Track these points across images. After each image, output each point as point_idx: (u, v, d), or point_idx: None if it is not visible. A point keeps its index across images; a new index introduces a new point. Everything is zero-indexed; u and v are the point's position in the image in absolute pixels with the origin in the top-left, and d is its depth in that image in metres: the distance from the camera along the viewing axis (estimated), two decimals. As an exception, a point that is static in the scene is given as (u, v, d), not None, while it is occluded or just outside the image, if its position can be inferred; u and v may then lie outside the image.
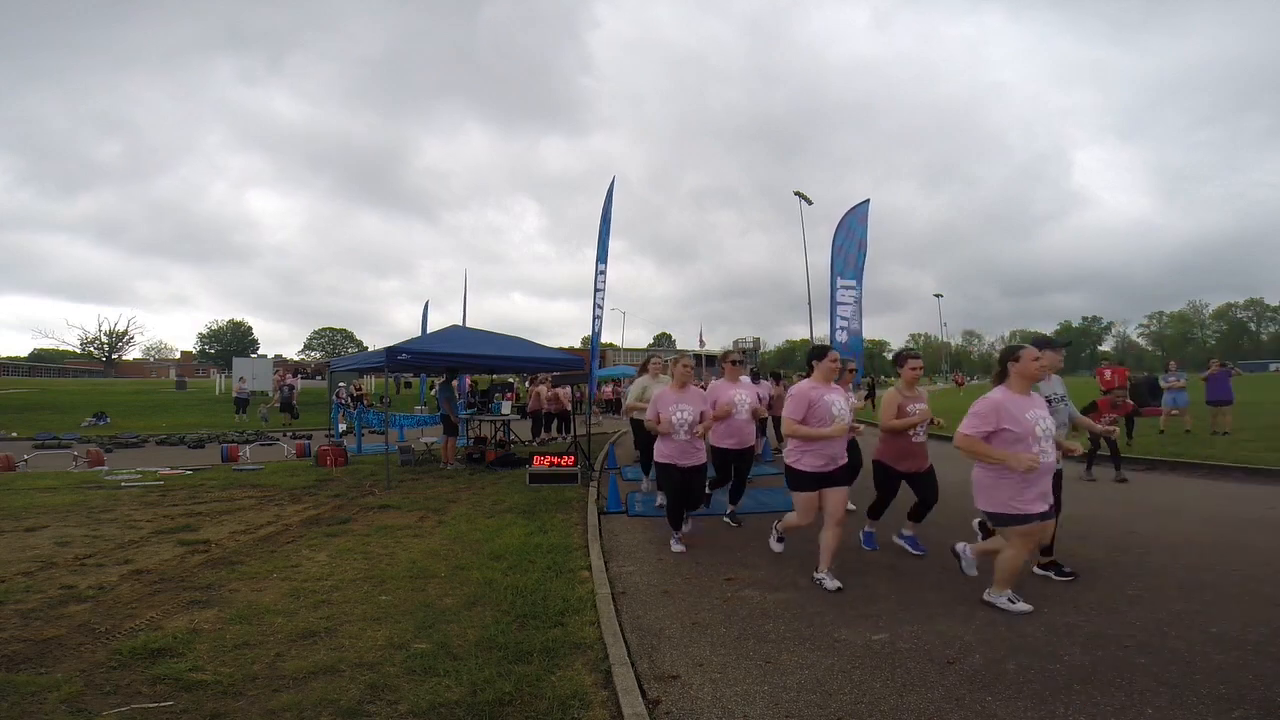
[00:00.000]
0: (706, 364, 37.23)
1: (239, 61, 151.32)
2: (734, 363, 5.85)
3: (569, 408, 15.21)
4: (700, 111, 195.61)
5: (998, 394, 3.50)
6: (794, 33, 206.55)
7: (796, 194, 25.78)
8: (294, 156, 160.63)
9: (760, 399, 6.63)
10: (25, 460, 10.77)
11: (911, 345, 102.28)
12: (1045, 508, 3.46)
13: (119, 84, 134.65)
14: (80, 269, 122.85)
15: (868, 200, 9.25)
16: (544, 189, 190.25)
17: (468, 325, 14.73)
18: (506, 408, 11.92)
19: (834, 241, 8.98)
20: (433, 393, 19.54)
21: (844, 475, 4.15)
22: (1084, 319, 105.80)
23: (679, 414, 4.94)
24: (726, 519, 5.92)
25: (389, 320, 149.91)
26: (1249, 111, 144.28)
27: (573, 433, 14.34)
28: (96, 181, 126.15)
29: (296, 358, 74.02)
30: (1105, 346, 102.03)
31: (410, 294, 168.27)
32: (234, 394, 23.04)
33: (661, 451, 5.05)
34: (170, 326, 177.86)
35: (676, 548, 5.05)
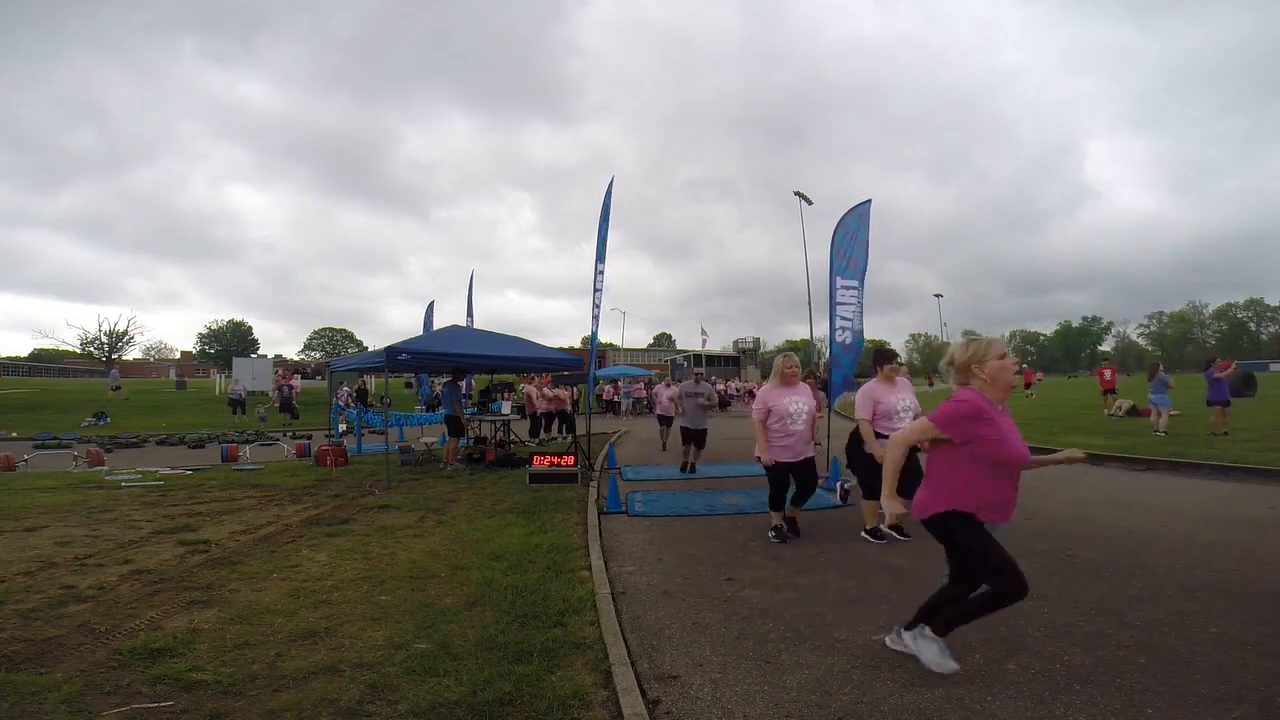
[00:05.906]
0: (708, 363, 37.18)
1: (210, 44, 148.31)
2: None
3: (568, 408, 15.22)
4: (695, 98, 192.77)
5: None
6: (792, 12, 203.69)
7: (796, 194, 25.78)
8: (274, 148, 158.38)
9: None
10: (25, 460, 10.78)
11: (911, 346, 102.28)
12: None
13: (95, 72, 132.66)
14: (67, 266, 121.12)
15: (869, 201, 9.21)
16: (536, 181, 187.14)
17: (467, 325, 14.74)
18: (506, 408, 11.93)
19: (833, 241, 8.96)
20: (435, 393, 19.54)
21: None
22: (1084, 319, 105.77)
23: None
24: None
25: (384, 319, 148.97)
26: (1272, 102, 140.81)
27: (573, 433, 14.35)
28: (75, 174, 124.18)
29: (296, 358, 74.00)
30: (1105, 346, 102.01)
31: (403, 292, 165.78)
32: (229, 395, 22.98)
33: None
34: (163, 325, 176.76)
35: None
